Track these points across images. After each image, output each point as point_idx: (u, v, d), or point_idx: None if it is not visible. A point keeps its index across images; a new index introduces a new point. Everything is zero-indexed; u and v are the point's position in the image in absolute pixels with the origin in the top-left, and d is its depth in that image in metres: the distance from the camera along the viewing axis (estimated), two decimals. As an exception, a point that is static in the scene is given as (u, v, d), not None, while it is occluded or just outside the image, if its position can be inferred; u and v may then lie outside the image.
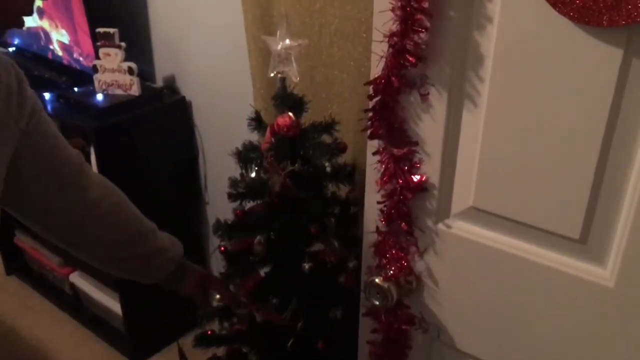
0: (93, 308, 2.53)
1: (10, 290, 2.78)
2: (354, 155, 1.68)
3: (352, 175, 1.56)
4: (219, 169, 2.17)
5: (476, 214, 0.94)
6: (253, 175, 1.56)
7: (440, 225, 0.98)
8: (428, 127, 0.93)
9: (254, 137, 1.61)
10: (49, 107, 2.11)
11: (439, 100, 0.90)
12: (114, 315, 2.37)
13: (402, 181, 0.96)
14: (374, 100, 0.93)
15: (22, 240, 2.73)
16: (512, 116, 0.85)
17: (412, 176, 0.96)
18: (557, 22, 0.75)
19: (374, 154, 1.00)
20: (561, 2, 0.73)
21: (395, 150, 0.96)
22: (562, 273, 0.87)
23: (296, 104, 1.48)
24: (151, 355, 2.38)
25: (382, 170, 0.98)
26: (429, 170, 0.95)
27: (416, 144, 0.95)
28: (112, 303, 2.33)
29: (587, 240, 0.84)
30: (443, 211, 0.98)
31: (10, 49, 2.39)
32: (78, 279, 2.51)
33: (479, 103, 0.88)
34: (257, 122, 1.59)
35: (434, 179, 0.95)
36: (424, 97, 0.91)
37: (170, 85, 2.19)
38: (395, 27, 0.87)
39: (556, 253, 0.88)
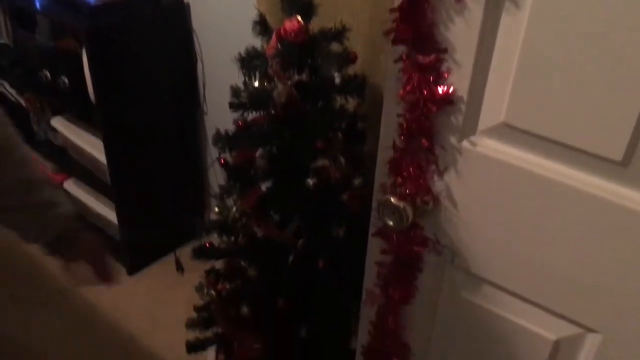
0: (88, 217, 2.48)
1: (2, 196, 2.72)
2: (363, 68, 1.58)
3: (362, 87, 1.47)
4: (219, 78, 2.06)
5: (507, 131, 0.86)
6: (256, 84, 1.46)
7: (465, 143, 0.90)
8: (461, 31, 0.83)
9: (258, 43, 1.49)
10: (37, 3, 1.97)
11: (475, 1, 0.80)
12: (109, 224, 2.32)
13: (427, 92, 0.86)
14: (401, -4, 0.83)
15: (13, 145, 2.64)
16: (560, 20, 0.74)
17: (438, 87, 0.87)
18: None
19: (396, 61, 0.90)
20: None
21: (420, 58, 0.86)
22: (599, 198, 0.80)
23: (305, 6, 1.36)
24: (147, 265, 2.37)
25: (404, 80, 0.89)
26: (457, 81, 0.86)
27: (445, 51, 0.85)
28: (107, 212, 2.28)
29: (630, 163, 0.77)
30: (469, 127, 0.89)
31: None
32: (73, 187, 2.44)
33: (521, 5, 0.77)
34: (262, 27, 1.47)
35: (463, 91, 0.86)
36: (459, -4, 0.80)
37: (167, -16, 2.03)
38: None
39: (594, 176, 0.80)
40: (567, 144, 0.80)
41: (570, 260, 0.87)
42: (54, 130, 2.33)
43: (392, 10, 0.85)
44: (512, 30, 0.80)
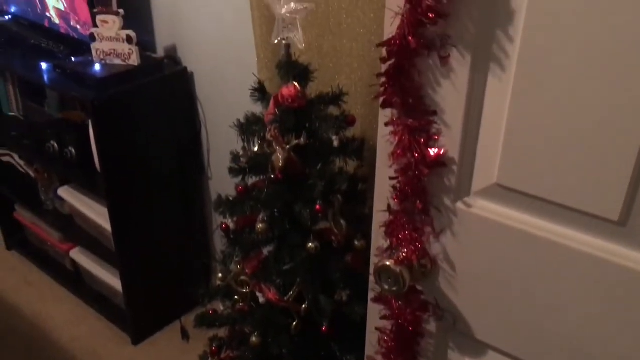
0: (94, 285, 2.47)
1: (11, 265, 2.73)
2: (362, 129, 1.59)
3: (361, 150, 1.47)
4: (222, 143, 2.08)
5: (500, 191, 0.85)
6: (256, 149, 1.47)
7: (460, 204, 0.89)
8: (448, 94, 0.83)
9: (258, 109, 1.52)
10: (45, 78, 2.03)
11: (461, 64, 0.80)
12: (114, 292, 2.30)
13: (418, 155, 0.86)
14: (388, 63, 0.83)
15: (22, 214, 2.66)
16: (545, 82, 0.75)
17: (429, 149, 0.86)
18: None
19: (386, 124, 0.90)
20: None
21: (410, 121, 0.86)
22: (597, 258, 0.78)
23: (302, 73, 1.39)
24: (153, 334, 2.33)
25: (395, 142, 0.88)
26: (448, 142, 0.86)
27: (434, 113, 0.85)
28: (112, 280, 2.27)
29: (628, 222, 0.75)
30: (463, 188, 0.88)
31: (7, 17, 2.30)
32: (79, 255, 2.45)
33: (507, 66, 0.78)
34: (261, 93, 1.50)
35: (454, 153, 0.86)
36: (445, 60, 0.81)
37: (172, 55, 2.09)
38: (413, -20, 0.77)
39: (591, 236, 0.78)
40: (562, 204, 0.79)
41: (572, 324, 0.84)
42: (61, 199, 2.35)
43: (379, 75, 0.85)
44: (499, 91, 0.80)
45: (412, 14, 0.78)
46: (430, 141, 0.87)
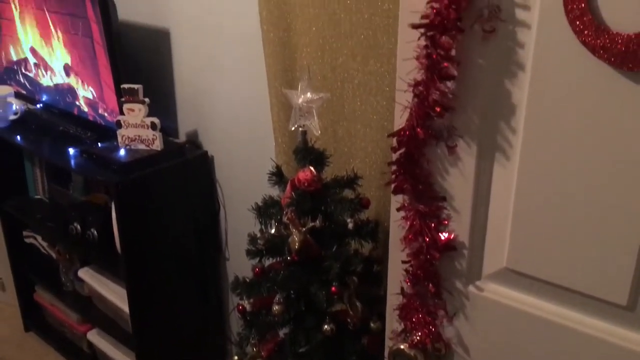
0: (109, 368, 2.45)
1: (28, 347, 2.72)
2: (377, 212, 1.62)
3: (375, 232, 1.50)
4: (240, 225, 2.12)
5: (510, 275, 0.87)
6: (273, 231, 1.51)
7: (471, 288, 0.91)
8: (456, 181, 0.87)
9: (276, 191, 1.56)
10: (72, 163, 2.11)
11: (467, 153, 0.85)
12: (130, 376, 2.28)
13: (429, 239, 0.89)
14: (398, 152, 0.88)
15: (42, 296, 2.69)
16: (548, 170, 0.78)
17: (440, 234, 0.90)
18: (596, 68, 0.70)
19: (398, 209, 0.94)
20: (601, 48, 0.68)
21: (421, 206, 0.90)
22: (606, 343, 0.78)
23: (317, 158, 1.44)
24: (167, 420, 2.28)
25: (407, 227, 0.92)
26: (457, 227, 0.89)
27: (444, 199, 0.89)
28: (128, 363, 2.26)
29: (636, 307, 0.76)
30: (474, 272, 0.90)
31: (38, 106, 2.42)
32: (96, 337, 2.44)
33: (511, 155, 0.82)
34: (278, 177, 1.56)
35: (464, 238, 0.89)
36: (452, 149, 0.86)
37: (193, 140, 2.18)
38: (420, 75, 0.83)
39: (600, 320, 0.79)
40: (571, 288, 0.80)
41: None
42: (81, 281, 2.38)
43: (390, 164, 0.90)
44: (505, 178, 0.84)
45: (419, 107, 0.84)
46: (441, 226, 0.90)
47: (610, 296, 0.77)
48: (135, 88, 1.95)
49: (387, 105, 1.55)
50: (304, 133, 1.44)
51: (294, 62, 1.70)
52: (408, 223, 0.92)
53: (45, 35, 2.18)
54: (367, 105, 1.60)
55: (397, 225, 0.94)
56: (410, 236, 0.91)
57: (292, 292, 1.47)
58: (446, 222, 0.89)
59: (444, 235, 0.89)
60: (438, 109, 0.82)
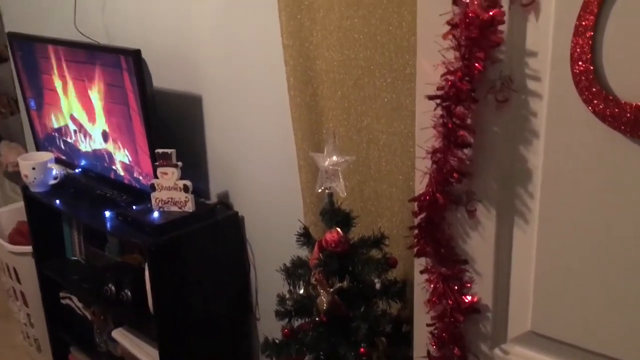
0: None
1: (61, 409, 2.74)
2: (405, 271, 1.63)
3: (403, 292, 1.50)
4: (270, 284, 2.14)
5: (536, 338, 0.87)
6: (301, 291, 1.53)
7: (497, 351, 0.91)
8: (477, 244, 0.89)
9: (306, 251, 1.59)
10: (108, 225, 2.18)
11: (487, 217, 0.87)
12: None
13: (452, 302, 0.90)
14: (419, 217, 0.91)
15: (77, 357, 2.72)
16: (567, 233, 0.80)
17: (463, 297, 0.91)
18: (607, 135, 0.73)
19: (421, 272, 0.95)
20: (611, 117, 0.71)
21: (443, 269, 0.92)
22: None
23: (344, 219, 1.47)
24: None
25: (430, 289, 0.93)
26: (481, 290, 0.90)
27: (465, 262, 0.91)
28: None
29: (664, 370, 0.75)
30: (499, 335, 0.91)
31: (77, 170, 2.53)
32: (128, 398, 2.45)
33: (530, 219, 0.84)
34: (306, 237, 1.58)
35: (487, 300, 0.90)
36: (471, 213, 0.88)
37: (224, 200, 2.23)
38: (437, 143, 0.86)
39: (629, 385, 0.79)
40: (597, 352, 0.80)
41: None
42: (115, 341, 2.41)
43: (411, 228, 0.92)
44: (525, 241, 0.85)
45: (438, 174, 0.87)
46: (464, 288, 0.91)
47: (637, 359, 0.76)
48: (169, 152, 2.03)
49: (412, 165, 1.57)
50: (330, 195, 1.48)
51: (320, 125, 1.76)
52: (432, 286, 0.93)
53: (85, 104, 2.30)
54: (393, 166, 1.64)
55: (420, 288, 0.96)
56: (434, 299, 0.92)
57: (321, 353, 1.47)
58: (469, 284, 0.91)
59: (467, 298, 0.90)
60: (456, 176, 0.85)
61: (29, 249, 2.64)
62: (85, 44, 2.32)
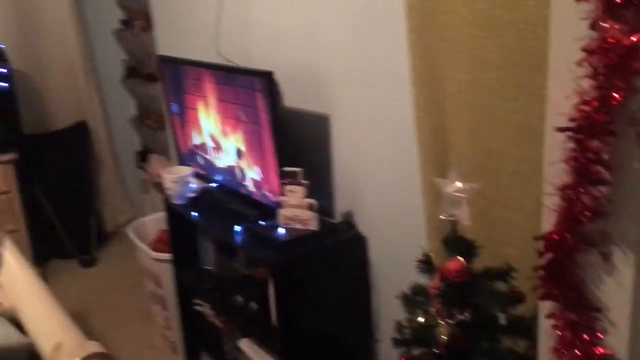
0: None
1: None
2: (534, 306, 1.52)
3: (531, 329, 1.40)
4: (391, 308, 2.11)
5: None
6: (421, 320, 1.48)
7: (633, 412, 0.81)
8: (612, 291, 0.80)
9: (427, 278, 1.54)
10: (237, 239, 2.28)
11: (624, 262, 0.78)
12: None
13: (582, 354, 0.82)
14: (545, 257, 0.84)
15: (206, 361, 2.87)
16: None
17: (594, 348, 0.82)
18: None
19: (547, 316, 0.88)
20: None
21: (572, 315, 0.84)
22: None
23: (467, 248, 1.41)
24: None
25: (557, 338, 0.86)
26: (614, 342, 0.81)
27: (598, 310, 0.82)
28: None
29: None
30: (636, 394, 0.81)
31: (213, 185, 2.68)
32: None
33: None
34: (427, 265, 1.54)
35: (621, 354, 0.80)
36: (606, 257, 0.79)
37: (348, 220, 2.24)
38: (568, 178, 0.79)
39: None
40: None
41: None
42: (241, 351, 2.50)
43: (536, 268, 0.86)
44: (670, 293, 0.75)
45: (568, 212, 0.80)
46: (595, 339, 0.83)
47: None
48: (297, 171, 2.09)
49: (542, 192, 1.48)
50: (453, 223, 1.42)
51: (446, 148, 1.70)
52: (559, 333, 0.86)
53: (223, 123, 2.43)
54: (523, 193, 1.54)
55: (546, 335, 0.88)
56: (560, 347, 0.85)
57: (439, 386, 1.42)
58: (601, 335, 0.82)
59: (599, 350, 0.82)
60: (588, 215, 0.77)
61: (168, 256, 2.82)
62: (224, 66, 2.46)
